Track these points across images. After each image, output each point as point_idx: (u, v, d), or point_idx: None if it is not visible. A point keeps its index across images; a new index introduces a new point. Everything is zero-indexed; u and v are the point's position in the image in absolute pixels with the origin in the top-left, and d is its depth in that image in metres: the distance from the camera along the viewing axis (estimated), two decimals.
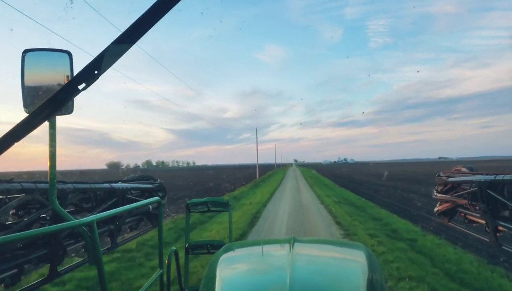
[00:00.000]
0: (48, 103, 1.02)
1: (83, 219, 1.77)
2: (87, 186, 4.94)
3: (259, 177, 51.12)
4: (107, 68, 1.02)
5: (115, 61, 1.02)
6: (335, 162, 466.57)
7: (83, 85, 1.04)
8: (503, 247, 4.64)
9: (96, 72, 1.02)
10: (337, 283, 0.86)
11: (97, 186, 5.21)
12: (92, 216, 1.81)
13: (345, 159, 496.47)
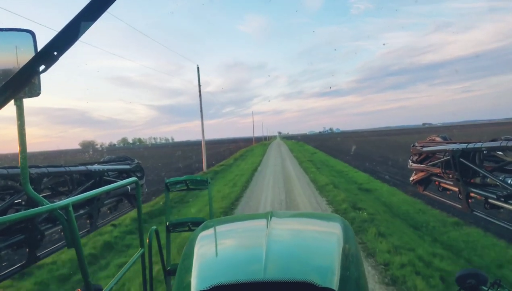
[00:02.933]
0: (6, 86, 0.97)
1: (58, 202, 1.72)
2: (62, 169, 4.85)
3: (237, 154, 46.24)
4: (68, 48, 0.97)
5: (75, 40, 0.96)
6: (320, 132, 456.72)
7: (43, 67, 0.98)
8: (475, 213, 4.83)
9: (55, 53, 0.96)
10: (312, 254, 0.87)
11: (73, 168, 5.12)
12: (68, 199, 1.77)
13: (330, 129, 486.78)
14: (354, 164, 24.76)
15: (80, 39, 0.98)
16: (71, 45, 0.96)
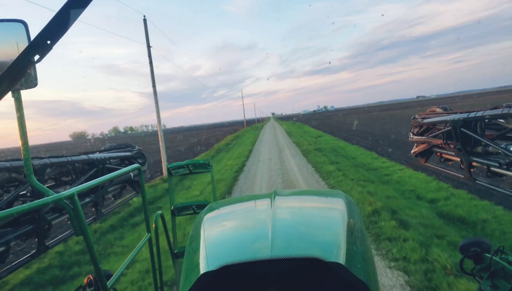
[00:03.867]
0: (2, 78, 0.96)
1: (64, 192, 1.73)
2: (64, 159, 4.89)
3: (222, 143, 36.20)
4: (61, 37, 0.95)
5: (67, 28, 0.94)
6: (314, 111, 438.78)
7: (37, 57, 0.97)
8: (477, 181, 4.85)
9: (49, 42, 0.95)
10: (318, 230, 0.88)
11: (75, 158, 5.17)
12: (73, 188, 1.78)
13: (325, 107, 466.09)
14: (382, 152, 16.65)
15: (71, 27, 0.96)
16: (64, 33, 0.95)
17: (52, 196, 1.71)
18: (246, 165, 17.53)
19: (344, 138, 25.96)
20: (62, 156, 4.97)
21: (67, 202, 1.80)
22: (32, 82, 1.26)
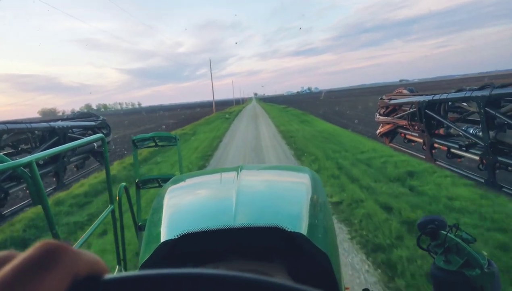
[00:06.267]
0: None
1: (21, 159, 1.65)
2: (23, 126, 4.67)
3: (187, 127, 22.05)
4: None
5: None
6: (298, 92, 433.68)
7: None
8: (437, 163, 5.04)
9: None
10: (282, 201, 0.89)
11: (34, 125, 4.94)
12: (31, 155, 1.70)
13: (309, 88, 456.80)
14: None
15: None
16: None
17: (8, 163, 1.62)
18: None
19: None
20: (21, 122, 4.74)
21: (25, 170, 1.71)
22: None
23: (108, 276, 0.21)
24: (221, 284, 0.20)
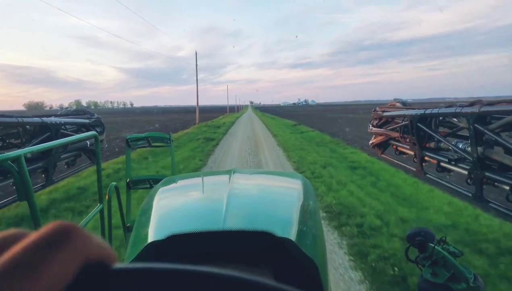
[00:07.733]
0: None
1: (9, 153, 1.63)
2: (14, 119, 4.60)
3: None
4: None
5: None
6: (294, 103, 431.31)
7: None
8: (428, 175, 5.10)
9: None
10: (272, 207, 0.90)
11: (26, 120, 4.87)
12: (20, 150, 1.68)
13: (305, 101, 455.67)
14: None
15: None
16: None
17: None
18: None
19: None
20: (12, 116, 4.68)
21: (12, 164, 1.70)
22: None
23: (118, 265, 0.21)
24: (230, 285, 0.21)
